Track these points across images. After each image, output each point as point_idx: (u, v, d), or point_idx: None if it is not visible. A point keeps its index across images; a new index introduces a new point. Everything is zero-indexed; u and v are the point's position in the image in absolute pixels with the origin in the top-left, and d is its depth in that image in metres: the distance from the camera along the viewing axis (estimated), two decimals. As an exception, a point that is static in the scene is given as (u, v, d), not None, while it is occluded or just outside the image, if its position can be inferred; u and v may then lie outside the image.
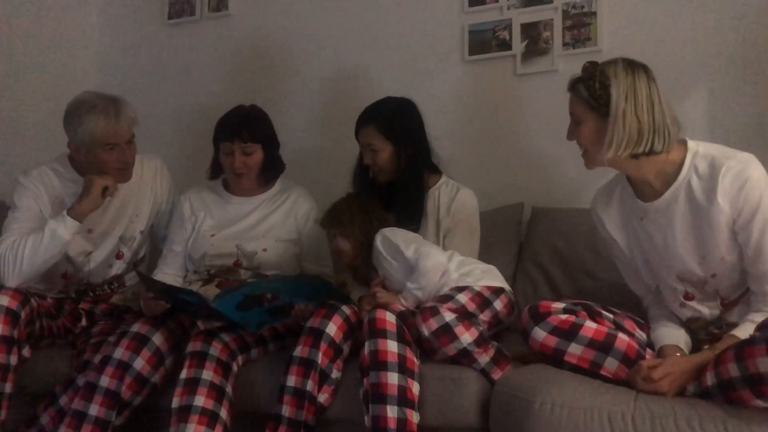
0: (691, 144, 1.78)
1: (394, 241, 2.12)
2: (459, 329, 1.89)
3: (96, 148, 2.25)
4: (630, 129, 1.70)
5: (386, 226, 2.20)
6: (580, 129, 1.80)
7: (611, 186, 1.96)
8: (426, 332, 1.89)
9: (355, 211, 2.22)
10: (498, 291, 2.06)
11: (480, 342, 1.91)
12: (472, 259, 2.20)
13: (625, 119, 1.70)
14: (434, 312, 1.91)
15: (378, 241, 2.15)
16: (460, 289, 2.02)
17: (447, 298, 1.97)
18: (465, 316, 1.93)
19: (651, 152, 1.73)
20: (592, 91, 1.74)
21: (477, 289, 2.03)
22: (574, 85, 1.80)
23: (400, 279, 2.10)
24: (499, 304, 2.04)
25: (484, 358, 1.91)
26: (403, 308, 2.00)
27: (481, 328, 1.94)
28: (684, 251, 1.78)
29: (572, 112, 1.82)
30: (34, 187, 2.32)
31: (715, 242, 1.73)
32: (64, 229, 2.19)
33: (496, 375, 1.90)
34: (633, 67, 1.74)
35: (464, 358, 1.90)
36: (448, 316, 1.90)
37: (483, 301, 2.01)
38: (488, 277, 2.10)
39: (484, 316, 1.99)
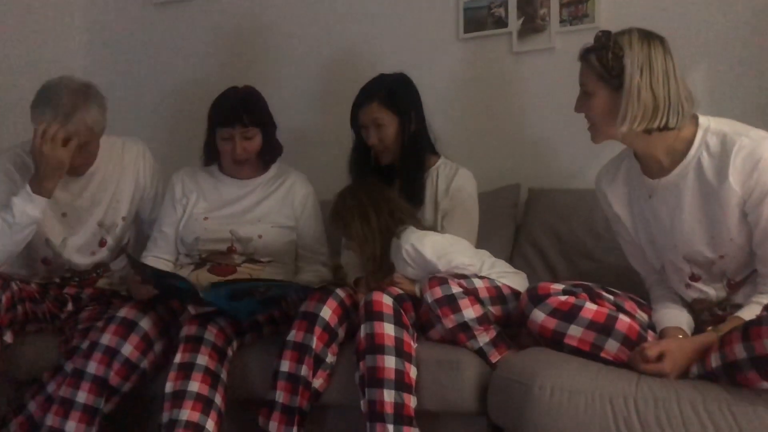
0: (702, 120, 1.73)
1: (424, 254, 1.97)
2: (464, 302, 1.86)
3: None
4: (645, 103, 1.66)
5: (400, 219, 2.08)
6: (590, 101, 1.75)
7: (617, 162, 1.92)
8: (429, 299, 1.86)
9: (368, 213, 2.07)
10: (518, 295, 1.95)
11: (483, 321, 1.87)
12: (504, 262, 2.12)
13: (640, 93, 1.65)
14: (442, 281, 1.88)
15: (404, 249, 2.00)
16: (480, 278, 1.96)
17: (462, 277, 1.93)
18: (473, 294, 1.89)
19: (665, 127, 1.68)
20: (604, 62, 1.69)
21: (497, 283, 1.97)
22: (585, 55, 1.75)
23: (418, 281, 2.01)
24: (513, 306, 1.94)
25: (483, 337, 1.87)
26: (401, 292, 1.96)
27: (487, 309, 1.90)
28: (692, 231, 1.74)
29: (582, 83, 1.77)
30: (6, 169, 2.26)
31: (724, 222, 1.69)
32: (33, 207, 2.12)
33: (494, 357, 1.87)
34: (649, 38, 1.69)
35: (463, 332, 1.86)
36: (455, 289, 1.86)
37: (499, 296, 1.94)
38: (514, 279, 2.02)
39: (495, 310, 1.92)
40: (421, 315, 1.96)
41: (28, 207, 2.12)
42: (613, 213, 1.91)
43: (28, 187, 2.13)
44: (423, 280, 1.95)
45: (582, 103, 1.79)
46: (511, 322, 1.95)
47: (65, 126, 2.12)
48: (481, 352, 1.88)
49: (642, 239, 1.88)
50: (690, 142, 1.72)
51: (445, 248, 2.01)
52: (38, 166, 2.14)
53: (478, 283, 1.93)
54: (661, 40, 1.71)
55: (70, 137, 2.14)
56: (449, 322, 1.86)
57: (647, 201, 1.82)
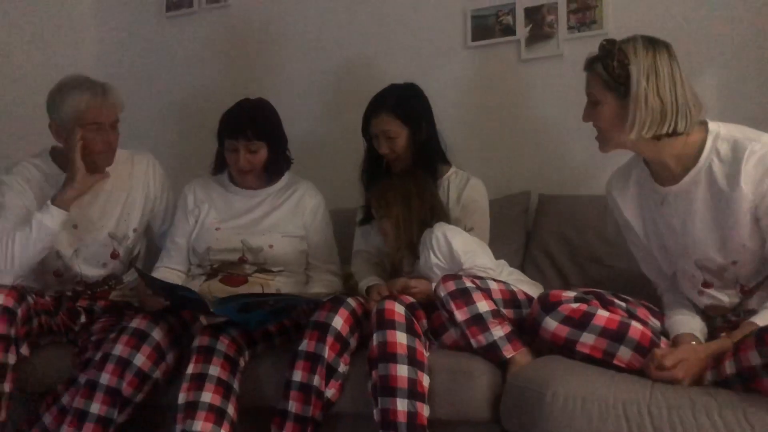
0: (712, 126, 1.73)
1: (453, 244, 2.02)
2: (477, 295, 1.86)
3: (79, 127, 2.21)
4: (653, 109, 1.66)
5: (438, 216, 2.13)
6: (597, 110, 1.75)
7: (628, 168, 1.91)
8: (442, 293, 1.86)
9: (411, 196, 2.13)
10: (532, 301, 1.96)
11: (497, 314, 1.86)
12: (520, 272, 2.14)
13: (647, 99, 1.65)
14: (456, 277, 1.88)
15: (434, 235, 2.05)
16: (495, 281, 1.97)
17: (476, 278, 1.93)
18: (486, 292, 1.89)
19: (674, 133, 1.68)
20: (610, 71, 1.69)
21: (512, 287, 1.98)
22: (591, 65, 1.76)
23: (437, 274, 2.03)
24: (527, 312, 1.93)
25: (498, 331, 1.85)
26: (412, 300, 1.96)
27: (500, 308, 1.89)
28: (703, 237, 1.73)
29: (589, 93, 1.77)
30: (17, 183, 2.28)
31: (736, 228, 1.68)
32: (51, 218, 2.15)
33: (508, 352, 1.84)
34: (654, 44, 1.69)
35: (476, 325, 1.85)
36: (469, 284, 1.86)
37: (512, 299, 1.95)
38: (529, 286, 2.04)
39: (507, 313, 1.92)
40: (434, 320, 1.95)
41: (47, 218, 2.15)
42: (624, 219, 1.90)
43: (48, 201, 2.17)
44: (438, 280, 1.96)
45: (589, 112, 1.78)
46: (525, 328, 1.93)
47: (105, 102, 2.22)
48: (494, 346, 1.84)
49: (653, 245, 1.87)
50: (700, 148, 1.71)
51: (472, 246, 2.05)
52: (70, 178, 2.20)
53: (492, 285, 1.93)
54: (666, 46, 1.71)
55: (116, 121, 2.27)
56: (462, 314, 1.85)
57: (658, 208, 1.81)
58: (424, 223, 2.11)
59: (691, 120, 1.68)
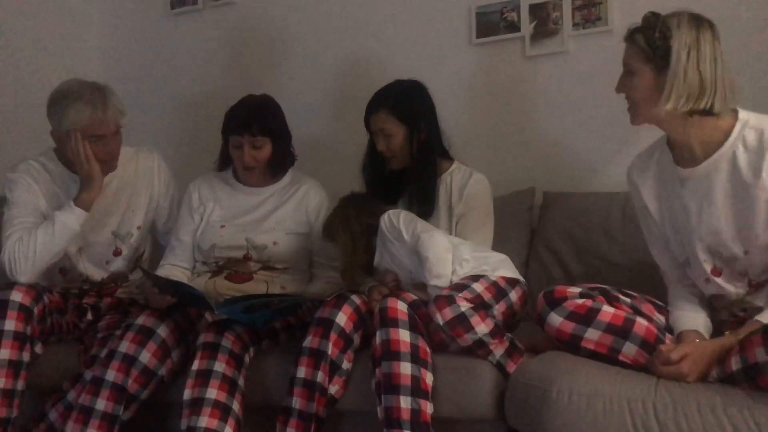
0: (743, 114, 1.70)
1: (398, 223, 2.08)
2: (474, 319, 1.84)
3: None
4: (691, 84, 1.64)
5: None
6: (633, 81, 1.72)
7: (650, 152, 1.89)
8: (440, 321, 1.84)
9: (350, 217, 2.17)
10: (513, 282, 2.02)
11: (495, 333, 1.87)
12: (484, 247, 2.15)
13: (687, 73, 1.63)
14: (450, 301, 1.85)
15: (382, 223, 2.11)
16: (476, 278, 1.97)
17: (462, 286, 1.92)
18: (481, 306, 1.88)
19: (710, 111, 1.65)
20: (651, 42, 1.67)
21: (493, 278, 1.98)
22: (632, 35, 1.73)
23: (405, 262, 2.07)
24: (514, 296, 1.98)
25: (499, 350, 1.87)
26: (415, 297, 1.96)
27: (496, 320, 1.90)
28: (719, 224, 1.71)
29: (626, 63, 1.75)
30: (24, 181, 2.28)
31: (753, 218, 1.66)
32: (74, 219, 2.17)
33: (511, 368, 1.86)
34: (698, 21, 1.67)
35: (479, 349, 1.86)
36: (464, 306, 1.84)
37: (499, 291, 1.96)
38: (504, 267, 2.06)
39: (500, 307, 1.93)
40: (434, 337, 1.93)
41: (70, 219, 2.16)
42: (642, 202, 1.87)
43: (70, 201, 2.18)
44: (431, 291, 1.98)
45: (624, 82, 1.76)
46: (515, 311, 1.99)
47: (105, 114, 2.19)
48: (500, 366, 1.87)
49: (667, 228, 1.84)
50: (727, 134, 1.69)
51: (412, 220, 2.09)
52: (89, 180, 2.20)
53: (479, 288, 1.93)
54: (711, 25, 1.68)
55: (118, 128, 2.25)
56: (464, 341, 1.85)
57: (677, 190, 1.78)
58: (369, 231, 2.14)
59: (726, 103, 1.66)
